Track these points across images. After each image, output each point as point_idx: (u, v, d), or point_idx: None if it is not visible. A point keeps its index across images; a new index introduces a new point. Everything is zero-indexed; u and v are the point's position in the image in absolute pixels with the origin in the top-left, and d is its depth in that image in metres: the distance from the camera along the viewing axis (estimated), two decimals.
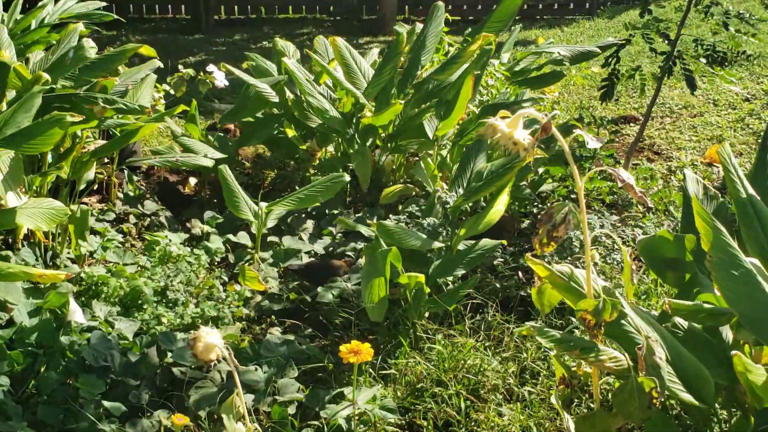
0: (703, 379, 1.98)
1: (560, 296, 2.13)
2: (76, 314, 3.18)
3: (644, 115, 4.90)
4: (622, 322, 2.01)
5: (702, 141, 5.88)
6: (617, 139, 5.87)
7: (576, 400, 2.73)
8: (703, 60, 4.46)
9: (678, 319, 2.19)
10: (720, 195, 2.56)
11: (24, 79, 3.61)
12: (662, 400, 1.92)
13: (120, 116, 3.93)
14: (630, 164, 4.98)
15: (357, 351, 2.31)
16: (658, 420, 2.06)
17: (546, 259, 3.52)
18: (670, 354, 1.99)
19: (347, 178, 4.14)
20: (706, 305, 2.07)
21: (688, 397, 1.94)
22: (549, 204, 4.19)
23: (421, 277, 3.25)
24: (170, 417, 2.91)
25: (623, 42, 4.74)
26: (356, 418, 2.91)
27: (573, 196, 4.52)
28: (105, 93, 3.79)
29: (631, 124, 6.31)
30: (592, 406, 2.69)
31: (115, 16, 4.95)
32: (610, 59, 4.73)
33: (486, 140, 1.96)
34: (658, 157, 5.61)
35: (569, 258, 3.56)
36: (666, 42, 4.52)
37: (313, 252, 4.17)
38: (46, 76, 3.65)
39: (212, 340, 2.07)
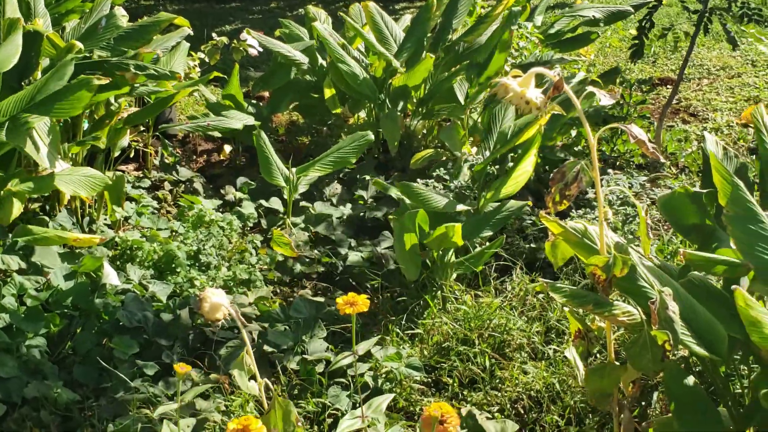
0: (716, 332, 1.99)
1: (572, 251, 2.15)
2: (111, 277, 3.26)
3: (677, 76, 4.85)
4: (636, 277, 2.03)
5: (739, 102, 5.79)
6: (653, 101, 5.81)
7: (596, 355, 2.76)
8: (737, 20, 4.40)
9: (696, 275, 2.19)
10: (752, 157, 2.54)
11: (58, 47, 3.68)
12: (675, 352, 1.94)
13: (154, 84, 3.99)
14: (664, 126, 4.93)
15: (353, 302, 2.34)
16: (675, 372, 2.08)
17: (570, 217, 3.53)
18: (684, 308, 2.00)
19: (371, 135, 4.16)
20: (720, 257, 2.07)
21: (700, 349, 1.95)
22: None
23: (458, 227, 3.26)
24: (201, 375, 2.99)
25: (656, 2, 4.68)
26: (382, 375, 2.97)
27: (604, 157, 4.51)
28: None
29: (668, 86, 6.24)
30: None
31: None
32: (643, 22, 4.67)
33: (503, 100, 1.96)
34: (693, 119, 5.55)
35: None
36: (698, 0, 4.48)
37: (344, 216, 4.21)
38: (80, 45, 3.72)
39: (218, 299, 2.12)
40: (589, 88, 1.93)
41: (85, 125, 4.10)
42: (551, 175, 1.92)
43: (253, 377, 2.24)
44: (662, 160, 2.04)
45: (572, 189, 1.89)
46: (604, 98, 1.93)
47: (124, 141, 4.25)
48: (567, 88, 1.83)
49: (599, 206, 1.94)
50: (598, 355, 2.85)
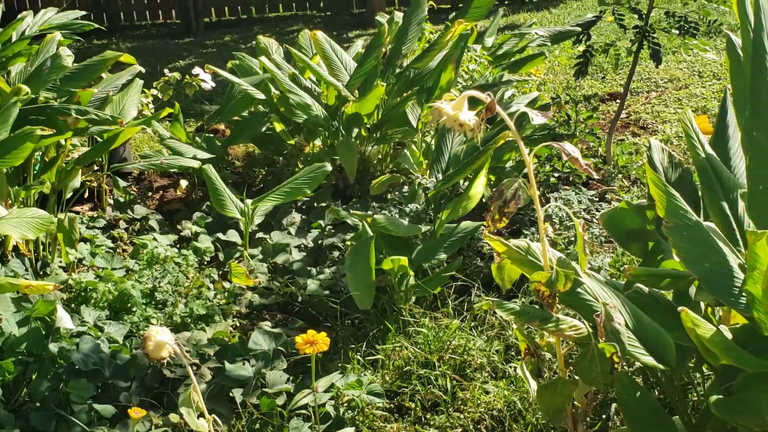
0: (664, 342, 2.01)
1: (519, 271, 2.16)
2: (64, 320, 3.22)
3: (623, 89, 4.92)
4: (579, 290, 2.04)
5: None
6: (603, 116, 5.89)
7: (546, 371, 2.77)
8: (676, 31, 4.49)
9: (641, 287, 2.21)
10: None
11: (2, 91, 3.66)
12: (631, 364, 1.95)
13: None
14: (614, 139, 5.00)
15: (313, 341, 2.34)
16: (626, 384, 2.09)
17: (523, 236, 3.56)
18: (631, 320, 2.02)
19: (329, 167, 4.17)
20: (664, 270, 2.10)
21: (650, 359, 1.97)
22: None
23: (404, 260, 3.29)
24: (160, 416, 2.96)
25: (595, 18, 4.80)
26: (344, 404, 2.96)
27: (556, 174, 4.54)
28: (82, 104, 3.83)
29: (617, 101, 6.33)
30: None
31: (96, 26, 4.97)
32: (581, 36, 4.79)
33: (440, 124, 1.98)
34: (643, 132, 5.63)
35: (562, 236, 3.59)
36: (638, 17, 4.57)
37: (302, 245, 4.21)
38: (26, 89, 3.69)
39: (162, 338, 2.11)
40: (523, 109, 1.95)
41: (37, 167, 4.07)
42: (490, 193, 1.93)
43: (201, 414, 2.22)
44: (595, 176, 2.07)
45: (511, 206, 1.91)
46: (536, 117, 1.95)
47: (76, 181, 4.21)
48: (500, 110, 1.85)
49: (540, 223, 1.96)
50: (556, 370, 2.86)
